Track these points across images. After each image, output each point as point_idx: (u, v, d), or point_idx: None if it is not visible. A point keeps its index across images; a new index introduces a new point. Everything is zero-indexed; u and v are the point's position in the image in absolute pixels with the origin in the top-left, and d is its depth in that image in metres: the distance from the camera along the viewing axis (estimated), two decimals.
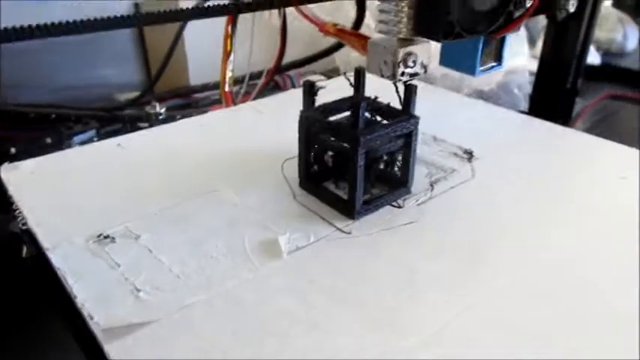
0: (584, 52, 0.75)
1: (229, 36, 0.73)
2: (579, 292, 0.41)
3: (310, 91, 0.53)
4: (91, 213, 0.50)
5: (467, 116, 0.71)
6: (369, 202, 0.50)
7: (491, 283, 0.42)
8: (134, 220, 0.48)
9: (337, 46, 1.01)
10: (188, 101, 1.05)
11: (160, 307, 0.39)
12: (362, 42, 0.51)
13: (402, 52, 0.45)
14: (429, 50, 0.47)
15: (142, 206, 0.51)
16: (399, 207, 0.51)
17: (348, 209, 0.49)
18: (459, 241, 0.47)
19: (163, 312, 0.38)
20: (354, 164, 0.46)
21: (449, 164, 0.58)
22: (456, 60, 0.52)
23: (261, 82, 0.97)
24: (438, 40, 0.45)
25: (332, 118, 0.53)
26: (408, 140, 0.50)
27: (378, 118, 0.53)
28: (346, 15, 1.20)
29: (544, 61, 0.78)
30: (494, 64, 0.52)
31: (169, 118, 0.92)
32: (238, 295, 0.40)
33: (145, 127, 0.92)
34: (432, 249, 0.45)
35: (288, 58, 1.09)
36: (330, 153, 0.55)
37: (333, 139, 0.52)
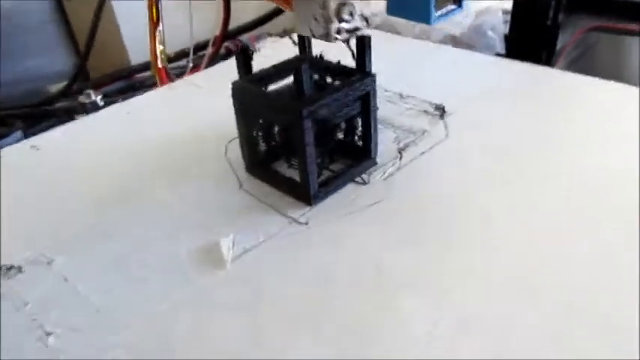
0: None
1: (154, 2, 0.62)
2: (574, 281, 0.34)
3: (244, 55, 0.43)
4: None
5: (436, 66, 0.62)
6: (327, 182, 0.41)
7: (472, 278, 0.34)
8: (47, 241, 0.40)
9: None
10: (132, 83, 0.95)
11: (75, 356, 0.31)
12: None
13: (333, 3, 0.35)
14: None
15: (57, 223, 0.42)
16: (364, 183, 0.43)
17: (303, 194, 0.41)
18: (430, 221, 0.38)
19: None
20: (300, 142, 0.38)
21: (418, 124, 0.49)
22: (405, 7, 0.42)
23: (208, 52, 0.87)
24: None
25: (274, 87, 0.44)
26: (366, 103, 0.41)
27: (329, 81, 0.44)
28: None
29: None
30: (452, 7, 0.42)
31: (108, 106, 0.82)
32: (171, 323, 0.32)
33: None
34: (400, 235, 0.37)
35: (239, 22, 0.99)
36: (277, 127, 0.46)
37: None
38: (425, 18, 0.40)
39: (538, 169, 0.43)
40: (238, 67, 0.44)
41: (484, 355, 0.29)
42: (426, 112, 0.51)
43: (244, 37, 1.02)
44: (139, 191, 0.44)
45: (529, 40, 0.70)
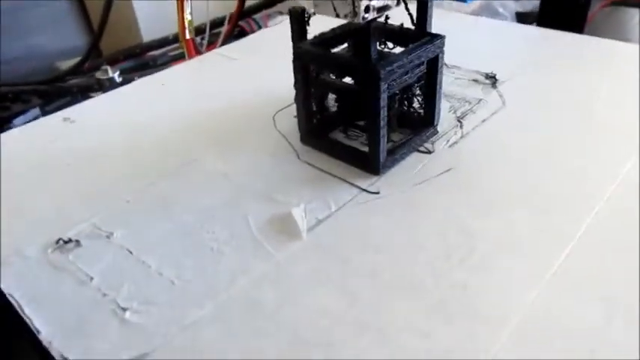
0: None
1: None
2: None
3: (300, 19, 0.41)
4: (45, 212, 0.38)
5: (474, 36, 0.61)
6: (392, 150, 0.39)
7: (572, 236, 0.32)
8: (101, 213, 0.37)
9: None
10: (144, 61, 0.91)
11: (156, 331, 0.28)
12: None
13: None
14: None
15: (107, 194, 0.39)
16: (429, 152, 0.41)
17: (371, 163, 0.39)
18: (510, 186, 0.37)
19: (161, 337, 0.28)
20: (374, 107, 0.36)
21: (472, 93, 0.48)
22: None
23: (224, 29, 0.84)
24: None
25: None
26: (433, 67, 0.39)
27: (389, 46, 0.42)
28: None
29: None
30: None
31: (126, 83, 0.78)
32: (256, 296, 0.30)
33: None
34: (482, 202, 0.36)
35: (249, 1, 0.96)
36: (332, 96, 0.44)
37: (336, 77, 0.41)
38: None
39: (602, 129, 0.42)
40: (293, 31, 0.42)
41: (588, 316, 0.27)
42: (476, 81, 0.50)
43: (257, 16, 0.99)
44: (186, 161, 0.42)
45: (560, 12, 0.69)
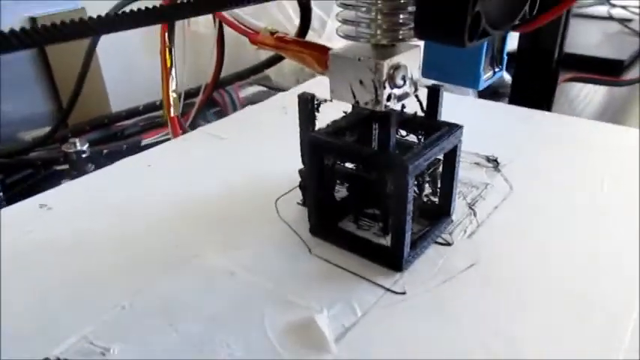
0: (564, 37, 0.69)
1: (167, 47, 0.56)
2: None
3: (309, 107, 0.39)
4: (24, 322, 0.32)
5: (467, 117, 0.60)
6: (413, 243, 0.37)
7: (621, 339, 0.30)
8: (93, 323, 0.32)
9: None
10: (112, 132, 0.87)
11: None
12: (317, 54, 0.36)
13: (387, 66, 0.31)
14: (418, 59, 0.34)
15: (98, 298, 0.34)
16: (448, 244, 0.38)
17: (393, 259, 0.36)
18: (538, 282, 0.35)
19: None
20: (401, 201, 0.33)
21: (477, 177, 0.46)
22: (447, 70, 0.38)
23: (199, 99, 0.81)
24: (460, 43, 0.30)
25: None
26: (452, 157, 0.38)
27: (402, 134, 0.40)
28: (271, 18, 1.06)
29: (523, 49, 0.70)
30: (496, 69, 0.40)
31: (95, 156, 0.73)
32: None
33: (65, 171, 0.73)
34: (514, 301, 0.33)
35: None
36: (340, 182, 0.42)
37: (351, 167, 0.39)
38: (472, 82, 0.38)
39: (620, 206, 0.41)
40: (301, 119, 0.40)
41: None
42: (477, 164, 0.49)
43: (228, 87, 0.97)
44: (190, 257, 0.37)
45: (531, 88, 0.71)
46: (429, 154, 0.34)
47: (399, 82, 0.32)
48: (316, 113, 0.40)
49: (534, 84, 0.70)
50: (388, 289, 0.34)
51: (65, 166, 0.72)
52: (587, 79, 0.95)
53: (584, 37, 1.07)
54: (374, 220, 0.41)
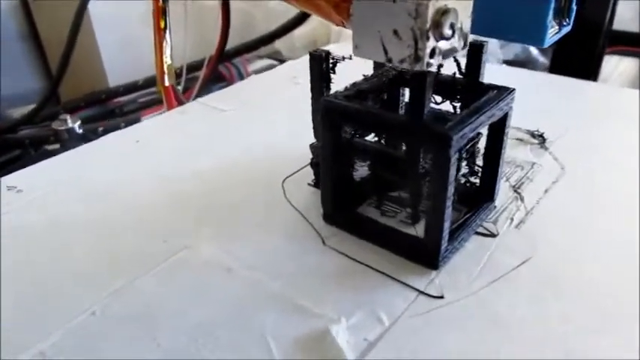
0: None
1: (160, 9, 0.49)
2: None
3: (324, 66, 0.32)
4: None
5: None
6: (450, 234, 0.30)
7: None
8: (54, 334, 0.25)
9: (301, 19, 0.79)
10: (109, 108, 0.80)
11: None
12: (335, 0, 0.27)
13: (432, 9, 0.23)
14: (471, 2, 0.26)
15: (62, 301, 0.28)
16: (493, 235, 0.31)
17: (427, 254, 0.29)
18: (612, 286, 0.28)
19: None
20: (440, 182, 0.26)
21: (521, 156, 0.39)
22: (504, 24, 0.30)
23: (202, 73, 0.75)
24: None
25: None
26: (500, 130, 0.30)
27: (437, 100, 0.33)
28: None
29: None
30: (564, 23, 0.32)
31: (89, 134, 0.67)
32: None
33: (56, 151, 0.67)
34: (586, 309, 0.26)
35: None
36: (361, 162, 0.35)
37: (375, 141, 0.31)
38: (537, 38, 0.29)
39: None
40: (313, 81, 0.33)
41: None
42: (520, 140, 0.41)
43: (236, 61, 0.90)
44: (179, 250, 0.31)
45: (575, 63, 0.63)
46: (475, 122, 0.27)
47: (447, 31, 0.24)
48: (332, 75, 0.33)
49: (579, 54, 0.62)
50: (422, 292, 0.27)
51: (56, 146, 0.66)
52: (627, 51, 0.89)
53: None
54: (400, 205, 0.34)
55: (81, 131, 0.65)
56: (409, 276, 0.28)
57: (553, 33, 0.30)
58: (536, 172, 0.37)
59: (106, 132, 0.74)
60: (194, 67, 0.75)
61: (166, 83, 0.49)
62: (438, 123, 0.26)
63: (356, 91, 0.30)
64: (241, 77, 0.85)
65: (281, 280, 0.28)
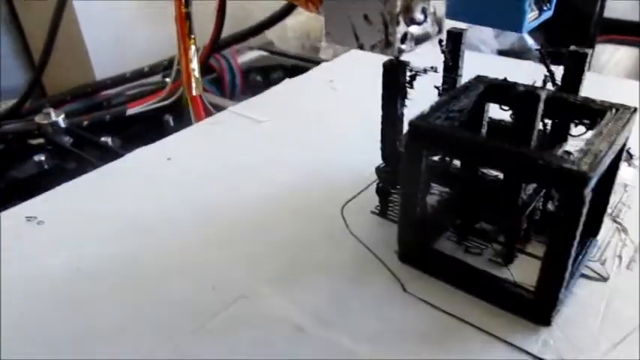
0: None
1: (184, 15, 0.43)
2: None
3: (400, 79, 0.27)
4: None
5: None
6: None
7: None
8: None
9: (289, 9, 0.73)
10: (97, 101, 0.73)
11: None
12: None
13: None
14: None
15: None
16: (603, 278, 0.27)
17: (538, 308, 0.24)
18: None
19: None
20: (569, 228, 0.22)
21: None
22: (481, 8, 0.27)
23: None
24: None
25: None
26: (617, 156, 0.26)
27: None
28: None
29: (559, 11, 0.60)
30: (544, 7, 0.28)
31: (73, 127, 0.61)
32: None
33: (41, 145, 0.60)
34: None
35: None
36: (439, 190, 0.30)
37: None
38: (515, 23, 0.25)
39: None
40: (386, 95, 0.28)
41: None
42: None
43: (225, 52, 0.84)
44: (235, 301, 0.26)
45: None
46: (607, 155, 0.22)
47: (418, 16, 0.23)
48: (409, 89, 0.28)
49: (568, 43, 0.60)
50: (537, 358, 0.23)
51: (40, 140, 0.60)
52: (625, 40, 0.87)
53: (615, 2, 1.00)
54: (484, 240, 0.29)
55: (65, 125, 0.60)
56: (516, 334, 0.24)
57: (532, 18, 0.26)
58: (631, 195, 0.33)
59: (91, 125, 0.68)
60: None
61: (194, 93, 0.44)
62: (566, 159, 0.21)
63: (445, 112, 0.25)
64: (231, 68, 0.80)
65: (366, 342, 0.24)
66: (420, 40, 0.23)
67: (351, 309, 0.26)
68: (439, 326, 0.25)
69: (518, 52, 0.78)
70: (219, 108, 0.53)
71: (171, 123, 0.69)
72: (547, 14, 0.26)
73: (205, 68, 0.80)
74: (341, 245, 0.29)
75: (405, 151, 0.25)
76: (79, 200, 0.34)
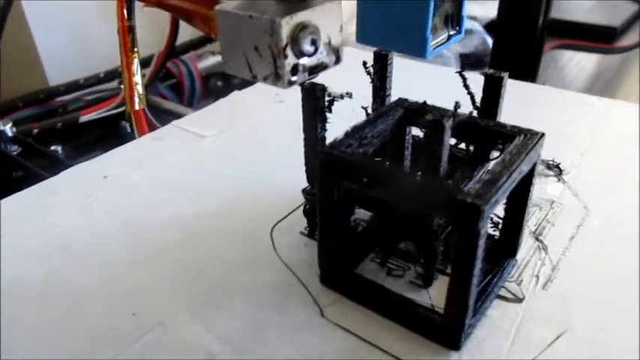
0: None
1: (127, 28, 0.43)
2: None
3: (319, 104, 0.29)
4: None
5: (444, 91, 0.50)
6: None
7: None
8: None
9: None
10: (51, 108, 0.74)
11: None
12: (201, 10, 0.27)
13: (286, 26, 0.22)
14: (338, 17, 0.25)
15: None
16: (518, 299, 0.29)
17: (448, 332, 0.26)
18: None
19: None
20: (466, 255, 0.23)
21: (536, 191, 0.36)
22: (388, 34, 0.28)
23: (150, 70, 0.72)
24: None
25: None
26: (527, 181, 0.28)
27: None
28: None
29: (505, 16, 0.62)
30: (452, 32, 0.29)
31: (21, 136, 0.62)
32: None
33: None
34: None
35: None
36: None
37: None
38: (418, 49, 0.27)
39: None
40: (306, 119, 0.29)
41: None
42: None
43: (185, 57, 0.85)
44: (151, 328, 0.27)
45: (514, 58, 0.63)
46: (506, 184, 0.24)
47: (307, 48, 0.23)
48: (328, 114, 0.29)
49: (517, 52, 0.62)
50: None
51: None
52: (576, 45, 0.90)
53: (574, 2, 1.01)
54: (406, 261, 0.31)
55: (12, 134, 0.61)
56: (426, 359, 0.26)
57: (437, 44, 0.27)
58: (556, 212, 0.35)
59: (41, 133, 0.69)
60: (141, 63, 0.70)
61: (137, 107, 0.45)
62: (465, 191, 0.23)
63: (359, 139, 0.27)
64: (190, 74, 0.81)
65: None
66: (314, 69, 0.24)
67: (265, 335, 0.27)
68: (351, 352, 0.26)
69: (480, 55, 0.80)
70: (175, 115, 0.55)
71: (128, 129, 0.70)
72: (457, 37, 0.28)
73: (164, 74, 0.82)
74: (266, 267, 0.31)
75: (317, 178, 0.27)
76: (6, 218, 0.35)
